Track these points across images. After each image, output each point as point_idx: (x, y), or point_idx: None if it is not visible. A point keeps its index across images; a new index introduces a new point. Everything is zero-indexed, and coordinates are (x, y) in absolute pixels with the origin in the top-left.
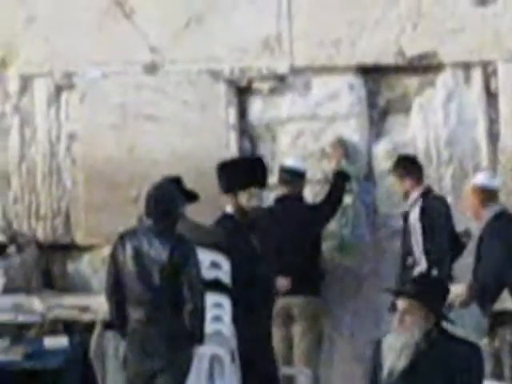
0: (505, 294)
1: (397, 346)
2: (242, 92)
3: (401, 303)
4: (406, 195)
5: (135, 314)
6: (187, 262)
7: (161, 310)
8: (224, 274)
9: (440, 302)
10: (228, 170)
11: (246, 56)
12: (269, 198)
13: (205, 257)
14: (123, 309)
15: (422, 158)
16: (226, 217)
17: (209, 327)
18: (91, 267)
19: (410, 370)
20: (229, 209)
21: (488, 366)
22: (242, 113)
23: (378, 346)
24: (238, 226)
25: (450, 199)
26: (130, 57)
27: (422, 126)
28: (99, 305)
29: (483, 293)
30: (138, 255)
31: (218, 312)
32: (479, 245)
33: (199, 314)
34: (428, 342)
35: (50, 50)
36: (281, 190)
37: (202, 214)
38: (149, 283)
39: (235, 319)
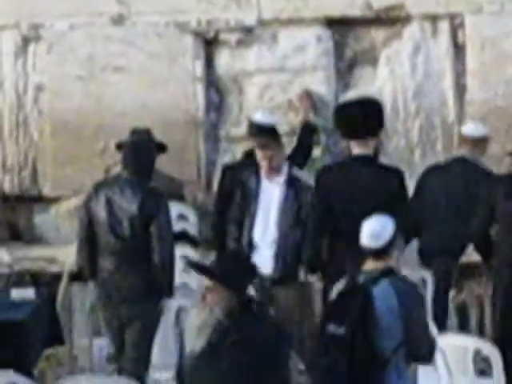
0: (470, 247)
1: (196, 324)
2: (209, 44)
3: (206, 280)
4: None
5: (105, 264)
6: (157, 213)
7: (130, 260)
8: (191, 226)
9: (244, 281)
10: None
11: (213, 8)
12: (236, 150)
13: (171, 208)
14: (95, 258)
15: (388, 110)
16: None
17: (176, 280)
18: (58, 219)
19: (209, 349)
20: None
21: (454, 319)
22: (209, 65)
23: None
24: None
25: (417, 152)
26: (97, 8)
27: (389, 78)
28: (66, 256)
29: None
30: (109, 205)
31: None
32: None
33: (168, 266)
34: (229, 320)
35: (16, 2)
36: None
37: (168, 165)
38: (119, 233)
39: None
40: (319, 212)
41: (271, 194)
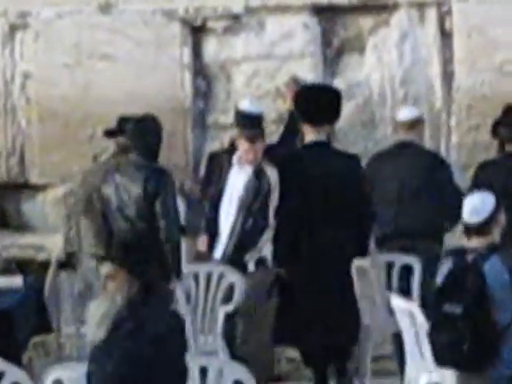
0: (460, 231)
1: (98, 314)
2: (197, 31)
3: (104, 268)
4: None
5: None
6: (160, 190)
7: (139, 241)
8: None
9: (144, 266)
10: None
11: None
12: (224, 138)
13: None
14: (111, 241)
15: (376, 98)
16: None
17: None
18: (46, 207)
19: (108, 339)
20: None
21: None
22: (197, 52)
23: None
24: None
25: None
26: None
27: (376, 65)
28: (54, 244)
29: None
30: (117, 188)
31: None
32: None
33: (175, 245)
34: (128, 309)
35: None
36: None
37: None
38: (127, 216)
39: None
40: (294, 205)
41: (238, 182)
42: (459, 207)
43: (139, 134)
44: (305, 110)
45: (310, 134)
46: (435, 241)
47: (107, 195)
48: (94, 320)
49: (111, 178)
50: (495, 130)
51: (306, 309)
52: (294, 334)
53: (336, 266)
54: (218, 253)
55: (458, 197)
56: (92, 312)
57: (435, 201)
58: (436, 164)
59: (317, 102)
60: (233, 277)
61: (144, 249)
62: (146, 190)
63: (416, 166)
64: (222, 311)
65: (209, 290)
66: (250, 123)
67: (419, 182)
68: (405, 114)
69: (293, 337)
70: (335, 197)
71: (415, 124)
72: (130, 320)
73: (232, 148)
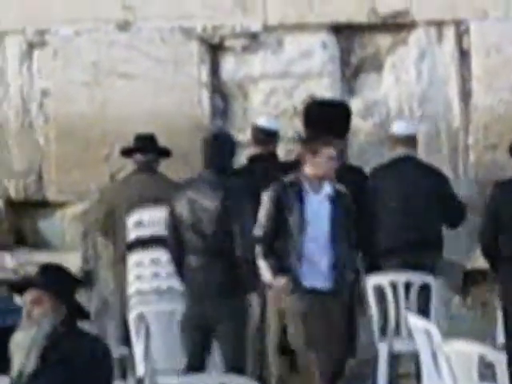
0: (478, 251)
1: (26, 343)
2: (215, 50)
3: (28, 295)
4: None
5: (192, 263)
6: (238, 211)
7: (213, 258)
8: None
9: (69, 289)
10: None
11: (219, 13)
12: (242, 156)
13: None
14: (182, 258)
15: (393, 116)
16: None
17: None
18: (63, 224)
19: (40, 369)
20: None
21: (461, 324)
22: (215, 70)
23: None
24: None
25: (422, 158)
26: (102, 14)
27: (394, 84)
28: (71, 262)
29: None
30: (191, 204)
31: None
32: None
33: (251, 262)
34: (55, 336)
35: (22, 8)
36: (254, 149)
37: (173, 170)
38: (201, 232)
39: None
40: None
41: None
42: (461, 217)
43: (210, 150)
44: (313, 126)
45: None
46: (436, 253)
47: (179, 211)
48: (23, 351)
49: (183, 194)
50: None
51: None
52: None
53: None
54: (320, 283)
55: (459, 206)
56: (18, 341)
57: (437, 214)
58: (437, 177)
59: (324, 118)
60: None
61: (63, 271)
62: (223, 209)
63: (418, 180)
64: None
65: None
66: (266, 138)
67: (422, 195)
68: (402, 128)
69: None
70: None
71: (413, 138)
72: (58, 348)
73: (250, 166)
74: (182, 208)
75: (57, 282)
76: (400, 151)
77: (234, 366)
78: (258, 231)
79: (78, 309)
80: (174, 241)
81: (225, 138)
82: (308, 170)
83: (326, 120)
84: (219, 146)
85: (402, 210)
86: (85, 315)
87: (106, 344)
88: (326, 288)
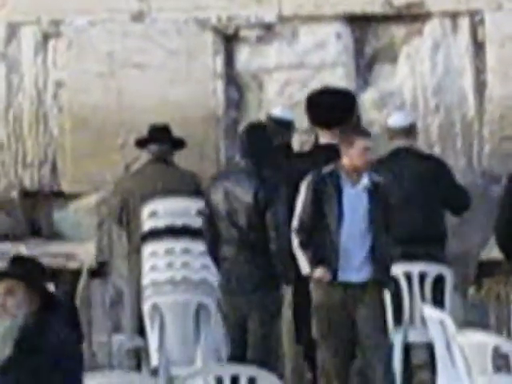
0: (492, 242)
1: (0, 333)
2: (229, 40)
3: (0, 285)
4: None
5: (226, 253)
6: (272, 202)
7: (248, 249)
8: None
9: (42, 279)
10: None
11: (233, 4)
12: None
13: (192, 205)
14: (216, 248)
15: (408, 107)
16: None
17: (196, 275)
18: (78, 215)
19: (14, 358)
20: None
21: (475, 315)
22: (229, 61)
23: None
24: None
25: (436, 149)
26: (117, 5)
27: (408, 75)
28: (85, 253)
29: None
30: (227, 195)
31: (206, 260)
32: None
33: (285, 254)
34: (29, 326)
35: None
36: None
37: (187, 161)
38: (236, 223)
39: None
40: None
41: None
42: (464, 204)
43: (247, 141)
44: (315, 114)
45: (324, 137)
46: (438, 246)
47: (215, 202)
48: None
49: (220, 184)
50: None
51: None
52: None
53: None
54: (354, 276)
55: (462, 193)
56: None
57: (440, 203)
58: (437, 166)
59: (326, 105)
60: None
61: (34, 262)
62: (257, 201)
63: (419, 171)
64: None
65: None
66: (281, 129)
67: (424, 186)
68: (401, 119)
69: None
70: None
71: (412, 129)
72: (30, 338)
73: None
74: (218, 199)
75: (29, 272)
76: (399, 143)
77: (259, 358)
78: (295, 222)
79: (51, 299)
80: (210, 232)
81: (262, 129)
82: (344, 160)
83: (326, 108)
84: (255, 135)
85: (403, 202)
86: (58, 305)
87: (78, 334)
88: (360, 280)
